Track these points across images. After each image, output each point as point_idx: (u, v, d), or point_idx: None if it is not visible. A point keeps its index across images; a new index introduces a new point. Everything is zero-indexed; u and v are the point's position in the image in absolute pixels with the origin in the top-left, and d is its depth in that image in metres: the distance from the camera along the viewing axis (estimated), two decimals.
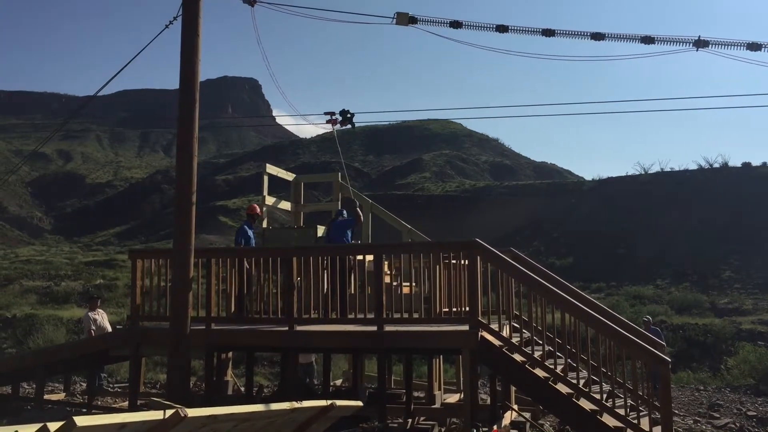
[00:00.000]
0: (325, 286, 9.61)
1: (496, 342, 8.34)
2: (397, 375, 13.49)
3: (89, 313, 13.40)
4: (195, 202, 8.69)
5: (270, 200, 12.66)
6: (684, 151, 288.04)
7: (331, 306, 9.45)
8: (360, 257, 10.20)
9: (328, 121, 11.87)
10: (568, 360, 8.60)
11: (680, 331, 24.50)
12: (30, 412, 10.75)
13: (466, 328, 8.41)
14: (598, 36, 9.89)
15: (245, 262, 9.75)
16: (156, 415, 3.75)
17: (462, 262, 9.10)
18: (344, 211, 11.51)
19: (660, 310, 28.07)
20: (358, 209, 11.34)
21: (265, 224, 12.31)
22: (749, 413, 12.99)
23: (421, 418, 9.70)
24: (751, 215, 43.28)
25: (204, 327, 9.41)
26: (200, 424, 4.12)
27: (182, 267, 8.51)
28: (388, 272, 9.71)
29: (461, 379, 9.98)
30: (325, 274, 9.64)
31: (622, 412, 7.73)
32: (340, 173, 13.51)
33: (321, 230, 11.89)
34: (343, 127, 12.04)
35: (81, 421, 3.17)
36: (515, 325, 8.89)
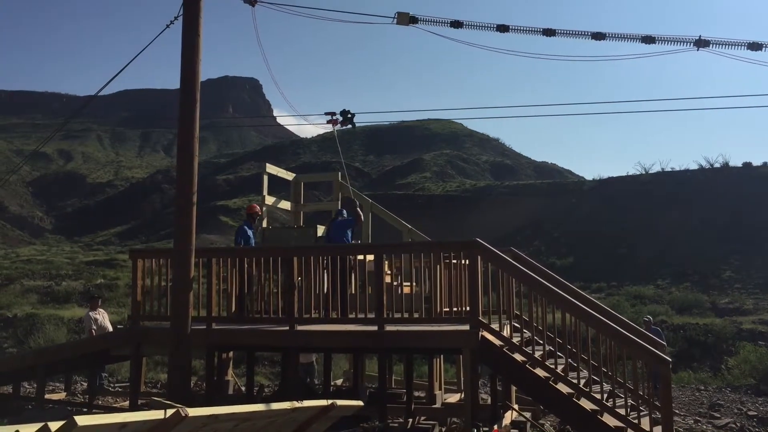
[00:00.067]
0: (326, 286, 9.62)
1: (497, 342, 8.34)
2: (398, 375, 13.50)
3: (90, 313, 13.41)
4: (196, 202, 8.69)
5: (270, 200, 12.66)
6: (684, 151, 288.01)
7: (332, 306, 9.46)
8: (360, 257, 10.21)
9: (328, 122, 11.88)
10: (569, 360, 8.61)
11: (681, 330, 24.49)
12: (31, 411, 10.76)
13: (466, 327, 8.41)
14: (599, 36, 9.89)
15: (245, 262, 9.75)
16: (157, 414, 3.75)
17: (462, 261, 9.10)
18: (344, 211, 11.52)
19: (660, 310, 28.05)
20: (358, 209, 11.34)
21: (264, 224, 12.31)
22: (750, 413, 12.98)
23: (422, 418, 9.70)
24: (751, 215, 43.24)
25: (205, 327, 9.42)
26: (201, 424, 4.12)
27: (183, 267, 8.51)
28: (389, 272, 9.71)
29: (462, 378, 9.98)
30: (326, 274, 9.66)
31: (622, 411, 7.73)
32: (340, 173, 13.51)
33: (321, 230, 11.89)
34: (344, 127, 12.04)
35: (82, 420, 3.18)
36: (516, 324, 8.89)
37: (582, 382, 8.16)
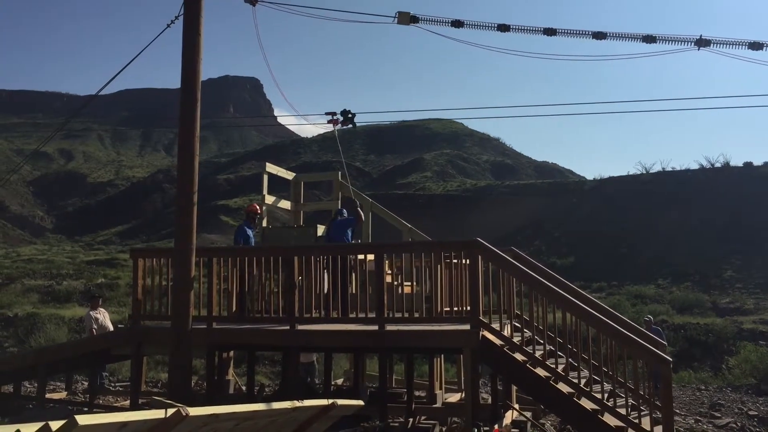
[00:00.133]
0: (326, 286, 9.62)
1: (498, 341, 8.34)
2: (398, 374, 13.50)
3: (91, 312, 13.41)
4: (196, 202, 8.70)
5: (270, 199, 12.66)
6: (685, 151, 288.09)
7: (333, 305, 9.46)
8: (361, 256, 10.21)
9: (329, 121, 11.87)
10: (569, 359, 8.61)
11: (681, 330, 24.48)
12: (32, 410, 10.77)
13: (467, 327, 8.41)
14: (599, 35, 9.88)
15: (246, 262, 9.75)
16: (157, 414, 3.75)
17: (463, 261, 9.10)
18: (344, 211, 11.51)
19: (661, 310, 28.05)
20: (359, 209, 11.33)
21: (264, 223, 12.31)
22: (750, 413, 12.98)
23: (422, 418, 9.70)
24: (752, 215, 43.22)
25: (205, 326, 9.42)
26: (201, 423, 4.12)
27: (184, 266, 8.52)
28: (389, 272, 9.71)
29: (462, 378, 9.97)
30: (327, 274, 9.66)
31: (623, 411, 7.73)
32: (340, 172, 13.51)
33: (321, 229, 11.89)
34: (344, 127, 12.04)
35: (82, 419, 3.18)
36: (516, 324, 8.89)
37: (583, 381, 8.16)
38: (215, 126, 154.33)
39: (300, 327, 9.23)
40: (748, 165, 53.21)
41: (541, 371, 8.13)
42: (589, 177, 71.88)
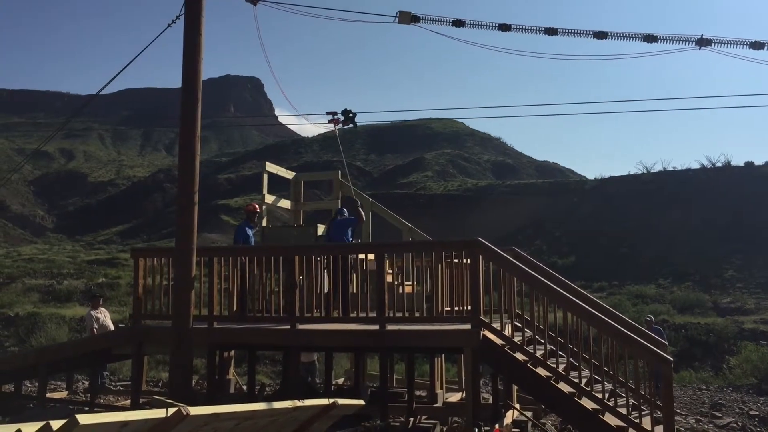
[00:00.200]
0: (327, 285, 9.62)
1: (498, 341, 8.34)
2: (399, 374, 13.51)
3: (91, 312, 13.41)
4: (197, 201, 8.69)
5: (270, 198, 12.65)
6: (686, 151, 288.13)
7: (333, 305, 9.45)
8: (362, 256, 10.20)
9: (330, 121, 11.87)
10: (570, 359, 8.61)
11: (682, 330, 24.48)
12: (32, 410, 10.78)
13: (468, 327, 8.41)
14: (600, 35, 9.87)
15: (247, 261, 9.75)
16: (158, 413, 3.75)
17: (464, 260, 9.09)
18: (345, 210, 11.50)
19: (662, 310, 28.05)
20: (360, 209, 11.33)
21: (264, 222, 12.31)
22: (751, 413, 12.97)
23: (423, 417, 9.70)
24: (753, 214, 43.19)
25: (206, 325, 9.43)
26: (202, 423, 4.12)
27: (184, 266, 8.51)
28: (390, 271, 9.71)
29: (463, 377, 9.97)
30: (327, 273, 9.66)
31: (624, 411, 7.72)
32: (340, 171, 13.50)
33: (321, 229, 11.88)
34: (345, 127, 12.04)
35: (83, 419, 3.18)
36: (517, 324, 8.88)
37: (583, 381, 8.16)
38: (216, 125, 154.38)
39: (301, 326, 9.23)
40: (749, 165, 53.22)
41: (541, 371, 8.13)
42: (590, 177, 72.05)
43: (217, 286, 9.62)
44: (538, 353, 8.27)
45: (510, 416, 9.37)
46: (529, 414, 10.04)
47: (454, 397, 11.09)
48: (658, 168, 58.43)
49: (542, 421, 10.73)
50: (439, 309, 9.02)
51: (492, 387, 10.35)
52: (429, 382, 10.92)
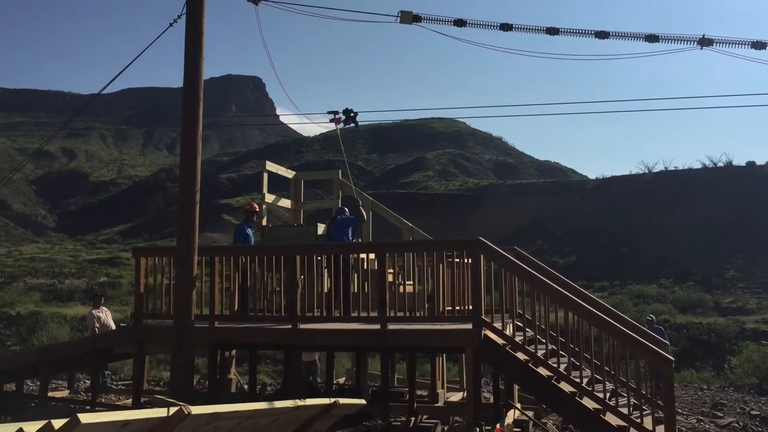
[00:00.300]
0: (328, 285, 9.62)
1: (500, 340, 8.34)
2: (400, 373, 13.51)
3: (93, 311, 13.42)
4: (199, 201, 8.70)
5: (270, 198, 12.66)
6: (688, 150, 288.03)
7: (335, 304, 9.45)
8: (363, 256, 10.21)
9: (331, 120, 11.88)
10: (572, 359, 8.60)
11: (684, 330, 24.46)
12: (34, 409, 10.79)
13: (469, 326, 8.41)
14: (602, 34, 9.87)
15: (248, 260, 9.76)
16: (159, 412, 3.75)
17: (465, 260, 9.09)
18: (346, 209, 11.50)
19: (663, 309, 28.02)
20: (361, 208, 11.32)
21: (264, 222, 12.32)
22: (752, 412, 12.96)
23: (424, 417, 9.70)
24: (755, 214, 43.14)
25: (207, 325, 9.43)
26: (203, 422, 4.12)
27: (186, 265, 8.52)
28: (391, 271, 9.71)
29: (464, 377, 9.97)
30: (329, 273, 9.66)
31: (625, 410, 7.72)
32: (340, 171, 13.51)
33: (321, 228, 11.88)
34: (347, 126, 12.05)
35: (85, 418, 3.18)
36: (518, 323, 8.88)
37: (585, 381, 8.15)
38: (217, 125, 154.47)
39: (302, 326, 9.23)
40: (751, 164, 53.13)
41: (543, 370, 8.12)
42: (592, 176, 72.03)
43: (219, 285, 9.63)
44: (540, 353, 8.27)
45: (511, 416, 9.37)
46: (530, 414, 10.04)
47: (456, 397, 11.09)
48: (659, 167, 58.40)
49: (543, 420, 10.73)
50: (441, 308, 9.02)
51: (493, 386, 10.35)
52: (430, 382, 10.93)
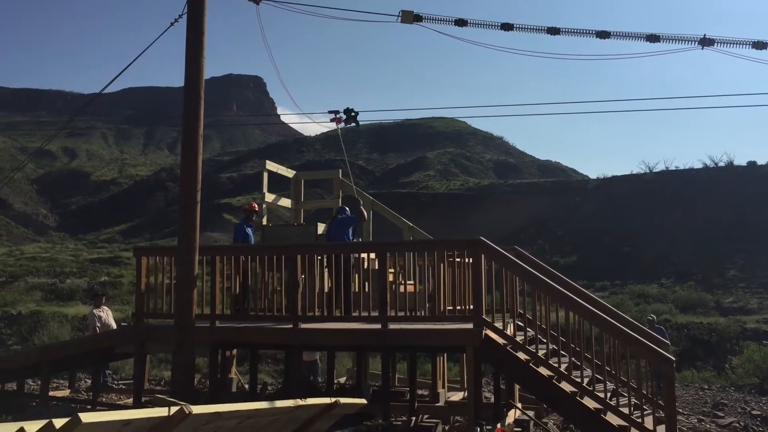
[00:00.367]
0: (329, 284, 9.62)
1: (500, 340, 8.34)
2: (401, 373, 13.50)
3: (94, 311, 13.44)
4: (199, 200, 8.71)
5: (270, 197, 12.66)
6: (689, 150, 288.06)
7: (335, 304, 9.46)
8: (364, 255, 10.21)
9: (332, 120, 11.87)
10: (572, 358, 8.60)
11: (685, 329, 24.43)
12: (35, 408, 10.80)
13: (470, 326, 8.41)
14: (603, 34, 9.86)
15: (249, 260, 9.77)
16: (161, 411, 3.75)
17: (466, 260, 9.10)
18: (346, 209, 11.50)
19: (664, 309, 27.99)
20: (362, 207, 11.32)
21: (264, 221, 12.32)
22: (753, 412, 12.95)
23: (425, 416, 9.70)
24: (756, 214, 43.10)
25: (208, 324, 9.44)
26: (204, 421, 4.12)
27: (187, 264, 8.53)
28: (392, 270, 9.72)
29: (465, 377, 9.97)
30: (329, 272, 9.66)
31: (626, 410, 7.72)
32: (341, 170, 13.51)
33: (322, 228, 11.88)
34: (348, 126, 12.04)
35: (86, 417, 3.18)
36: (519, 323, 8.88)
37: (585, 380, 8.15)
38: (218, 124, 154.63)
39: (303, 325, 9.24)
40: (752, 164, 53.08)
41: (543, 370, 8.12)
42: (593, 176, 72.03)
43: (220, 284, 9.63)
44: (540, 352, 8.27)
45: (512, 415, 9.37)
46: (531, 413, 10.04)
47: (456, 397, 11.09)
48: (660, 167, 58.27)
49: (544, 420, 10.73)
50: (441, 308, 9.02)
51: (494, 386, 10.34)
52: (431, 381, 10.92)
